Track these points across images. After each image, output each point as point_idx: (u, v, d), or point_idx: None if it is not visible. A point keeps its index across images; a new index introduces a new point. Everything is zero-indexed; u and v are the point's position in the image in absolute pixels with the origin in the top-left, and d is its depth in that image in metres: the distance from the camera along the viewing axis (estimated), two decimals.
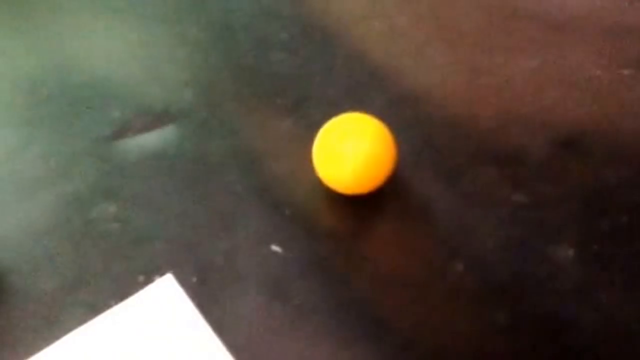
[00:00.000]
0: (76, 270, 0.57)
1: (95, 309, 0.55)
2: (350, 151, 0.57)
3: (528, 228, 0.59)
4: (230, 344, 0.53)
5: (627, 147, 0.65)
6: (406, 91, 0.69)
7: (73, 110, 0.69)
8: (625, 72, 0.71)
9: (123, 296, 0.55)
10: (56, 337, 0.53)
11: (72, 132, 0.67)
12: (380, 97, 0.69)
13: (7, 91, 0.70)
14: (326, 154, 0.59)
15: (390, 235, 0.59)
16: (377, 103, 0.68)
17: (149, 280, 0.56)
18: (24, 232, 0.60)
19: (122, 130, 0.67)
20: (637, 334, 0.53)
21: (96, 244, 0.59)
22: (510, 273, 0.57)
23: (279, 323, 0.54)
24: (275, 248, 0.58)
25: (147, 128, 0.67)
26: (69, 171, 0.64)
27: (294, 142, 0.65)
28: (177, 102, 0.69)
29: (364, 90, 0.69)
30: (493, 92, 0.69)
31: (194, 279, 0.57)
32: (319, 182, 0.61)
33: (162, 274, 0.57)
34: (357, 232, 0.59)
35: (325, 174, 0.59)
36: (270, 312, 0.55)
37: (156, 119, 0.68)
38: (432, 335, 0.53)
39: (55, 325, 0.54)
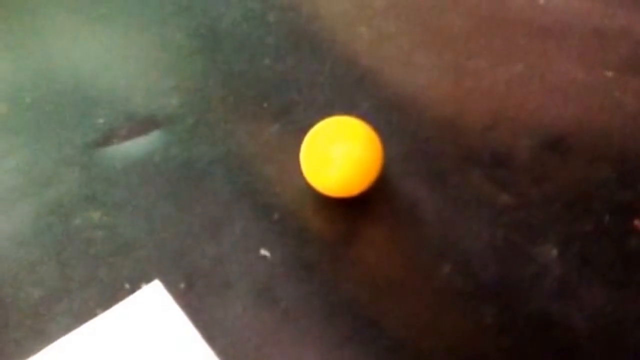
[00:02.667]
0: (60, 279, 0.57)
1: (80, 317, 0.54)
2: (337, 154, 0.58)
3: (514, 229, 0.60)
4: (219, 350, 0.53)
5: (610, 148, 0.65)
6: (393, 95, 0.70)
7: (57, 118, 0.68)
8: (608, 74, 0.71)
9: (109, 304, 0.55)
10: (41, 347, 0.53)
11: (55, 140, 0.67)
12: (367, 101, 0.69)
13: None
14: (313, 158, 0.59)
15: (378, 238, 0.59)
16: (365, 107, 0.69)
17: (135, 287, 0.56)
18: (7, 241, 0.59)
19: (107, 137, 0.67)
20: (622, 331, 0.53)
21: (80, 252, 0.59)
22: (497, 274, 0.57)
23: (267, 327, 0.54)
24: (263, 252, 0.59)
25: (132, 134, 0.67)
26: (52, 179, 0.64)
27: (282, 146, 0.66)
28: (162, 108, 0.69)
29: (352, 95, 0.70)
30: (479, 95, 0.70)
31: (182, 285, 0.57)
32: (307, 186, 0.61)
33: (148, 280, 0.57)
34: (345, 235, 0.60)
35: (313, 177, 0.60)
36: (259, 316, 0.55)
37: (141, 125, 0.67)
38: (421, 337, 0.54)
39: (40, 335, 0.54)
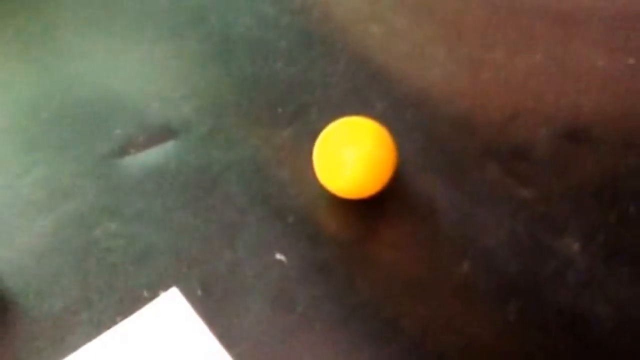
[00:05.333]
0: (80, 290, 0.57)
1: (100, 326, 0.55)
2: (349, 156, 0.57)
3: (534, 223, 0.58)
4: (237, 355, 0.52)
5: (633, 136, 0.63)
6: (408, 92, 0.69)
7: (74, 130, 0.69)
8: (631, 61, 0.69)
9: (128, 312, 0.55)
10: (63, 356, 0.53)
11: (73, 153, 0.67)
12: (382, 101, 0.68)
13: (7, 115, 0.71)
14: (326, 160, 0.58)
15: (395, 238, 0.58)
16: (379, 106, 0.68)
17: (153, 295, 0.56)
18: (27, 254, 0.60)
19: (124, 147, 0.67)
20: None
21: (100, 262, 0.59)
22: (518, 269, 0.56)
23: (285, 331, 0.53)
24: (279, 257, 0.58)
25: (148, 143, 0.67)
26: (70, 192, 0.64)
27: (296, 149, 0.65)
28: (177, 116, 0.69)
29: (365, 95, 0.69)
30: (496, 88, 0.68)
31: (199, 292, 0.56)
32: (321, 188, 0.61)
33: (166, 288, 0.57)
34: (361, 236, 0.59)
35: (326, 179, 0.59)
36: (276, 321, 0.54)
37: (157, 134, 0.68)
38: (441, 335, 0.53)
39: (61, 345, 0.54)
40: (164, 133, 0.68)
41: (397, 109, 0.67)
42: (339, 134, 0.59)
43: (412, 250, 0.57)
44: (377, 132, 0.58)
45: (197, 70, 0.73)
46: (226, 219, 0.61)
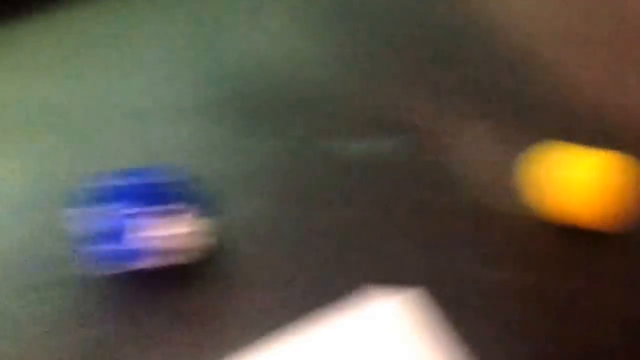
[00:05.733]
0: (315, 270, 0.57)
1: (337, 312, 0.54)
2: (593, 185, 0.56)
3: None
4: None
5: None
6: None
7: (284, 104, 0.68)
8: None
9: (365, 299, 0.54)
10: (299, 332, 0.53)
11: (285, 128, 0.66)
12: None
13: (205, 81, 0.70)
14: (560, 185, 0.57)
15: (618, 273, 0.56)
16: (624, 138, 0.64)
17: (396, 291, 0.55)
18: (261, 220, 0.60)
19: (332, 132, 0.66)
20: None
21: (332, 248, 0.58)
22: None
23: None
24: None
25: (360, 134, 0.66)
26: (290, 165, 0.64)
27: (503, 164, 0.63)
28: (392, 113, 0.68)
29: (578, 119, 0.66)
30: None
31: (441, 300, 0.54)
32: (529, 209, 0.59)
33: (410, 285, 0.55)
34: (573, 263, 0.57)
35: (557, 204, 0.58)
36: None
37: (369, 126, 0.67)
38: None
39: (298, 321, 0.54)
40: (375, 126, 0.67)
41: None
42: (583, 163, 0.58)
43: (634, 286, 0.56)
44: (620, 163, 0.57)
45: (413, 70, 0.71)
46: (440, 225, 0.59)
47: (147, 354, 0.51)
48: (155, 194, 0.51)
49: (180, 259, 0.54)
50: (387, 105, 0.68)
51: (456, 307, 0.53)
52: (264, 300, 0.54)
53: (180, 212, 0.52)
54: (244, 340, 0.52)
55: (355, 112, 0.67)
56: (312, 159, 0.63)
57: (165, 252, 0.52)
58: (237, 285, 0.56)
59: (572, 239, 0.58)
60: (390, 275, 0.55)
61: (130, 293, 0.55)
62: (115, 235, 0.51)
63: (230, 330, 0.53)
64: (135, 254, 0.51)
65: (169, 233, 0.52)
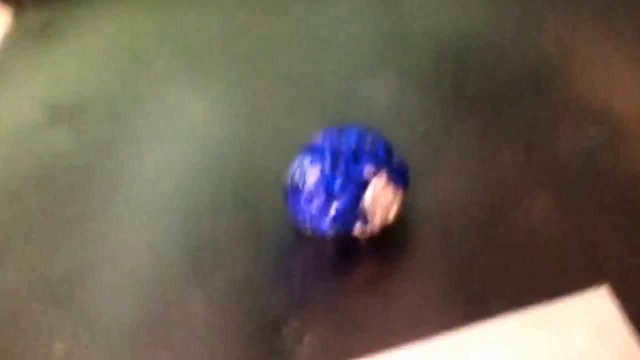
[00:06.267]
0: (502, 261, 0.53)
1: (525, 300, 0.50)
2: None
3: None
4: None
5: None
6: None
7: (507, 88, 0.65)
8: None
9: (554, 295, 0.50)
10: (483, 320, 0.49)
11: (503, 110, 0.63)
12: None
13: (431, 56, 0.68)
14: None
15: None
16: None
17: (582, 287, 0.50)
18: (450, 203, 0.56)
19: (556, 122, 0.62)
20: None
21: (525, 235, 0.54)
22: None
23: None
24: None
25: (584, 125, 0.61)
26: (497, 152, 0.60)
27: None
28: (617, 105, 0.62)
29: None
30: None
31: (634, 301, 0.49)
32: None
33: (599, 283, 0.50)
34: None
35: None
36: None
37: (595, 118, 0.62)
38: None
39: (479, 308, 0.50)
40: (601, 119, 0.62)
41: None
42: None
43: None
44: None
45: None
46: None
47: (307, 323, 0.49)
48: (354, 157, 0.49)
49: (369, 227, 0.51)
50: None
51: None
52: (435, 288, 0.51)
53: (375, 179, 0.49)
54: (413, 316, 0.49)
55: (570, 101, 0.63)
56: (525, 148, 0.59)
57: (362, 216, 0.49)
58: (411, 261, 0.53)
59: None
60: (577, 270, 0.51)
61: (306, 258, 0.53)
62: (316, 195, 0.49)
63: (395, 307, 0.50)
64: (335, 216, 0.49)
65: (367, 197, 0.49)
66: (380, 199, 0.50)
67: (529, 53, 0.67)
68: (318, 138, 0.51)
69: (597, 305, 0.49)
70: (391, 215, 0.51)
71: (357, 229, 0.51)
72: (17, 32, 0.71)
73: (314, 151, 0.51)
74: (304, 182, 0.50)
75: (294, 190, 0.50)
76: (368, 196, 0.49)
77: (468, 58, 0.67)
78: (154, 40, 0.71)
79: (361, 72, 0.66)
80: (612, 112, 0.62)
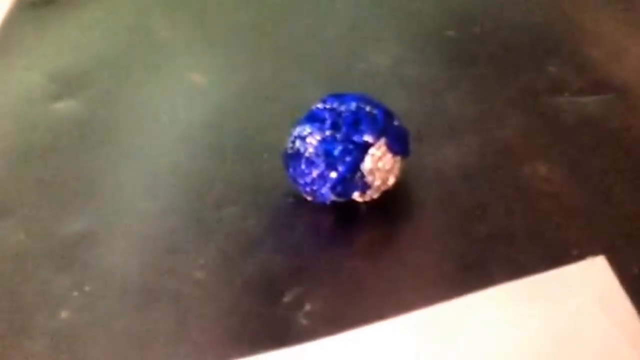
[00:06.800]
0: (502, 224, 0.53)
1: (524, 268, 0.50)
2: None
3: None
4: None
5: None
6: None
7: (504, 55, 0.65)
8: None
9: (551, 264, 0.50)
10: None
11: (503, 78, 0.63)
12: None
13: (433, 23, 0.69)
14: None
15: None
16: None
17: (582, 256, 0.50)
18: (454, 170, 0.56)
19: (558, 88, 0.62)
20: None
21: (526, 204, 0.54)
22: None
23: None
24: None
25: (585, 92, 0.61)
26: (497, 118, 0.60)
27: None
28: (619, 72, 0.63)
29: None
30: None
31: (635, 270, 0.49)
32: None
33: (595, 253, 0.50)
34: None
35: None
36: None
37: (596, 84, 0.62)
38: None
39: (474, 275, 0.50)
40: (603, 85, 0.62)
41: None
42: None
43: None
44: None
45: None
46: None
47: (308, 291, 0.49)
48: (354, 123, 0.49)
49: (369, 192, 0.51)
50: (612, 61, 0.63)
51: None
52: (436, 255, 0.51)
53: (375, 144, 0.49)
54: (413, 283, 0.49)
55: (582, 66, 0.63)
56: (528, 114, 0.59)
57: (362, 181, 0.50)
58: (411, 228, 0.53)
59: None
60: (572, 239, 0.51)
61: (307, 226, 0.53)
62: (317, 160, 0.49)
63: (396, 273, 0.50)
64: (335, 181, 0.49)
65: (367, 162, 0.49)
66: (380, 164, 0.50)
67: (529, 23, 0.68)
68: (318, 105, 0.52)
69: (595, 274, 0.49)
70: (391, 181, 0.52)
71: (357, 193, 0.51)
72: (22, 3, 0.71)
73: (314, 117, 0.51)
74: (305, 148, 0.50)
75: (294, 156, 0.51)
76: (368, 161, 0.50)
77: (469, 28, 0.68)
78: (157, 11, 0.71)
79: (363, 42, 0.67)
80: (612, 83, 0.62)
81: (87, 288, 0.50)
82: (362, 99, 0.52)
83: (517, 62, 0.64)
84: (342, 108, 0.51)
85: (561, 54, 0.64)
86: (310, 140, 0.50)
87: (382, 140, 0.50)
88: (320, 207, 0.52)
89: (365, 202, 0.53)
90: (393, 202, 0.53)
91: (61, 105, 0.62)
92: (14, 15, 0.70)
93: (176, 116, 0.61)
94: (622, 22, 0.68)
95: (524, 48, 0.65)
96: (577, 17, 0.68)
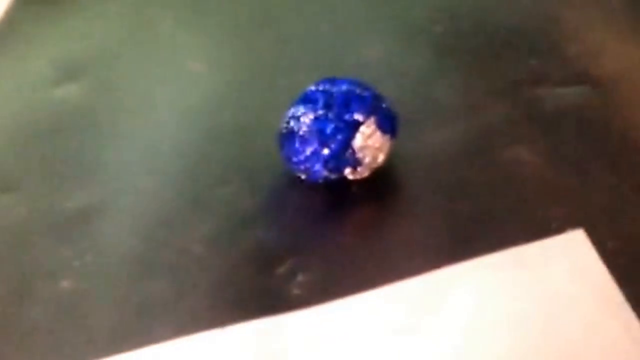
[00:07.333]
0: (486, 200, 0.55)
1: (506, 241, 0.52)
2: None
3: None
4: None
5: None
6: None
7: (491, 49, 0.68)
8: None
9: (531, 237, 0.51)
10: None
11: (487, 70, 0.66)
12: None
13: (423, 18, 0.71)
14: None
15: None
16: None
17: (561, 229, 0.52)
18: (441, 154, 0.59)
19: (538, 80, 0.64)
20: None
21: (505, 184, 0.56)
22: None
23: None
24: None
25: (564, 84, 0.64)
26: (480, 107, 0.62)
27: None
28: (596, 65, 0.65)
29: None
30: None
31: (609, 244, 0.51)
32: None
33: (574, 227, 0.52)
34: None
35: None
36: None
37: (575, 77, 0.64)
38: None
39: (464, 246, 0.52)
40: (581, 77, 0.64)
41: None
42: None
43: None
44: None
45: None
46: None
47: (300, 263, 0.51)
48: (345, 103, 0.52)
49: (360, 169, 0.53)
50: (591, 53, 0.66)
51: (615, 251, 0.50)
52: (423, 230, 0.53)
53: (365, 123, 0.52)
54: (402, 257, 0.51)
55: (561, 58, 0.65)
56: (511, 103, 0.61)
57: (353, 158, 0.52)
58: (400, 206, 0.55)
59: None
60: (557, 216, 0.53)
61: (301, 203, 0.55)
62: (310, 138, 0.51)
63: (385, 247, 0.52)
64: (327, 158, 0.52)
65: (357, 140, 0.52)
66: (370, 141, 0.53)
67: (512, 19, 0.70)
68: (311, 87, 0.54)
69: (574, 245, 0.51)
70: (380, 158, 0.54)
71: (349, 170, 0.53)
72: None
73: (307, 99, 0.53)
74: (298, 127, 0.52)
75: (289, 136, 0.53)
76: (358, 138, 0.52)
77: (456, 23, 0.70)
78: (157, 1, 0.74)
79: (355, 35, 0.69)
80: (589, 76, 0.64)
81: (87, 258, 0.51)
82: (353, 82, 0.54)
83: (500, 55, 0.67)
84: (334, 90, 0.53)
85: (542, 48, 0.67)
86: (304, 119, 0.52)
87: (372, 119, 0.52)
88: (312, 186, 0.54)
89: (356, 181, 0.55)
90: (382, 182, 0.55)
91: (62, 91, 0.64)
92: (16, 5, 0.72)
93: (174, 101, 0.63)
94: (599, 19, 0.70)
95: (507, 42, 0.68)
96: (558, 14, 0.71)
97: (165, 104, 0.63)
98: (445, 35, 0.69)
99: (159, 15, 0.71)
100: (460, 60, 0.66)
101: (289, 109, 0.54)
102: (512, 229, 0.53)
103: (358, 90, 0.53)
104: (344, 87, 0.53)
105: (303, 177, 0.54)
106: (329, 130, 0.52)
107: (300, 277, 0.50)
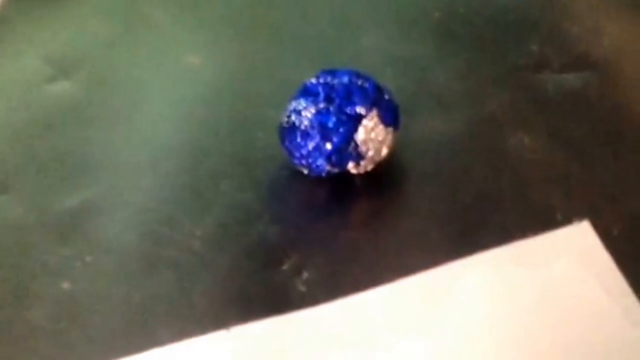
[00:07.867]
0: (489, 190, 0.55)
1: (510, 233, 0.52)
2: None
3: None
4: None
5: None
6: None
7: (490, 34, 0.67)
8: None
9: (538, 229, 0.51)
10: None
11: (487, 56, 0.65)
12: None
13: (421, 4, 0.70)
14: None
15: None
16: None
17: (566, 220, 0.52)
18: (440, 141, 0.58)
19: (540, 65, 0.64)
20: None
21: (513, 172, 0.56)
22: None
23: None
24: None
25: (565, 69, 0.63)
26: (483, 94, 0.62)
27: None
28: (597, 49, 0.65)
29: None
30: None
31: (614, 230, 0.51)
32: None
33: (580, 218, 0.52)
34: None
35: None
36: None
37: (575, 61, 0.64)
38: None
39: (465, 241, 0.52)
40: (582, 62, 0.64)
41: None
42: None
43: None
44: None
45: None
46: None
47: (305, 259, 0.50)
48: (346, 95, 0.51)
49: (363, 163, 0.53)
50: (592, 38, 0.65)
51: (620, 237, 0.50)
52: (428, 222, 0.53)
53: (368, 116, 0.51)
54: (407, 251, 0.51)
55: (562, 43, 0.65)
56: (513, 89, 0.61)
57: (356, 152, 0.52)
58: (403, 199, 0.55)
59: None
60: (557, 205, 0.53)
61: (304, 198, 0.54)
62: (312, 132, 0.51)
63: (389, 242, 0.52)
64: (330, 152, 0.51)
65: (360, 134, 0.51)
66: (372, 134, 0.52)
67: (512, 4, 0.69)
68: (312, 80, 0.53)
69: (580, 237, 0.51)
70: (384, 152, 0.53)
71: (352, 164, 0.53)
72: None
73: (308, 92, 0.52)
74: (300, 121, 0.51)
75: (290, 130, 0.52)
76: (361, 132, 0.51)
77: (454, 9, 0.69)
78: None
79: (354, 23, 0.68)
80: (590, 60, 0.64)
81: (88, 259, 0.51)
82: (353, 73, 0.53)
83: (501, 40, 0.66)
84: (335, 82, 0.52)
85: (542, 33, 0.66)
86: (305, 113, 0.51)
87: (374, 112, 0.52)
88: (315, 180, 0.54)
89: (359, 175, 0.54)
90: (385, 174, 0.55)
91: (57, 87, 0.63)
92: (9, 1, 0.71)
93: (172, 95, 0.62)
94: (599, 2, 0.70)
95: (507, 28, 0.67)
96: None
97: (162, 99, 0.62)
98: (444, 22, 0.68)
99: (155, 9, 0.70)
100: (460, 47, 0.66)
101: (290, 102, 0.53)
102: (517, 219, 0.52)
103: (359, 82, 0.52)
104: (345, 79, 0.52)
105: (306, 171, 0.53)
106: (330, 124, 0.51)
107: (305, 274, 0.50)
